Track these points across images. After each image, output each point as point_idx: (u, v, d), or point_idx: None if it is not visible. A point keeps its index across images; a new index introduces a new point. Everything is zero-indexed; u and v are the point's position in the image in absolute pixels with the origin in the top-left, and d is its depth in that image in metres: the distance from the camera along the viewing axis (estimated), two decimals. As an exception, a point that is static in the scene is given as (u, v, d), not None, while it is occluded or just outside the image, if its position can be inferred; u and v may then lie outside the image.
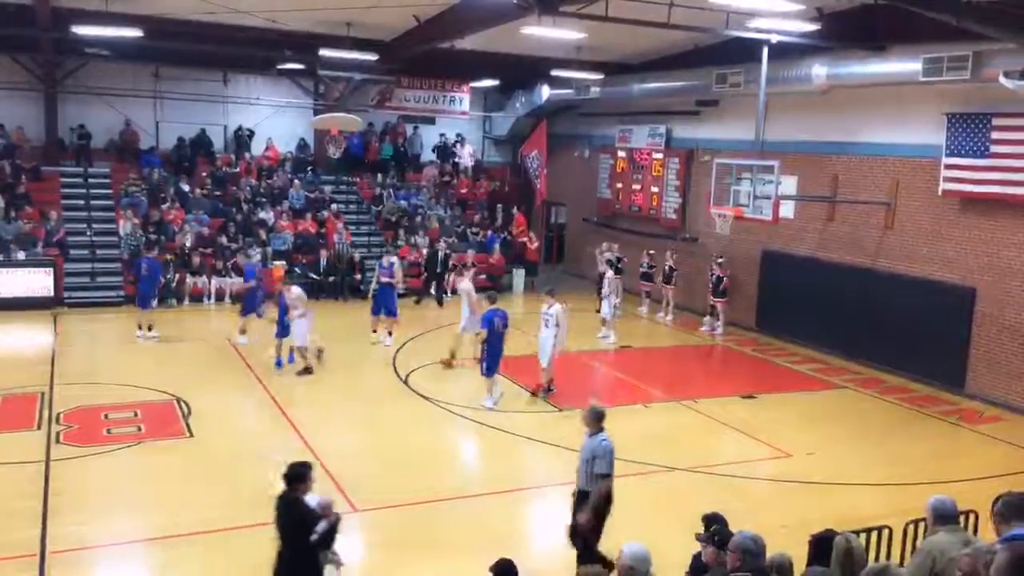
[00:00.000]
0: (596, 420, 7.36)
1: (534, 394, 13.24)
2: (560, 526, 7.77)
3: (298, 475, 5.96)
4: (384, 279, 16.09)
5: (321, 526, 5.82)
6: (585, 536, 7.16)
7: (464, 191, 25.37)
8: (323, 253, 20.50)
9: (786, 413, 13.14)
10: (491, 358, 12.48)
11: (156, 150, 22.43)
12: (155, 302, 16.39)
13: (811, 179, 17.03)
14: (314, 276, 20.13)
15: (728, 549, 5.05)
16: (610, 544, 6.82)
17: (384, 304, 15.99)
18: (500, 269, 22.21)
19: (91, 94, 21.43)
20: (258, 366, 14.29)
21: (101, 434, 10.87)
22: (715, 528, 5.58)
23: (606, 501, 7.23)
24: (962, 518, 7.26)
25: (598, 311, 17.71)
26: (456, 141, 26.17)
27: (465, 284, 15.44)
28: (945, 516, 5.19)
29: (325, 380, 14.02)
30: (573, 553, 7.31)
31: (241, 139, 23.44)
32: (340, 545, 6.10)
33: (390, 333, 16.15)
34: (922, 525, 6.38)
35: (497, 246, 22.70)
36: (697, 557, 5.95)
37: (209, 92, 22.72)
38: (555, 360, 13.32)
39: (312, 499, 5.99)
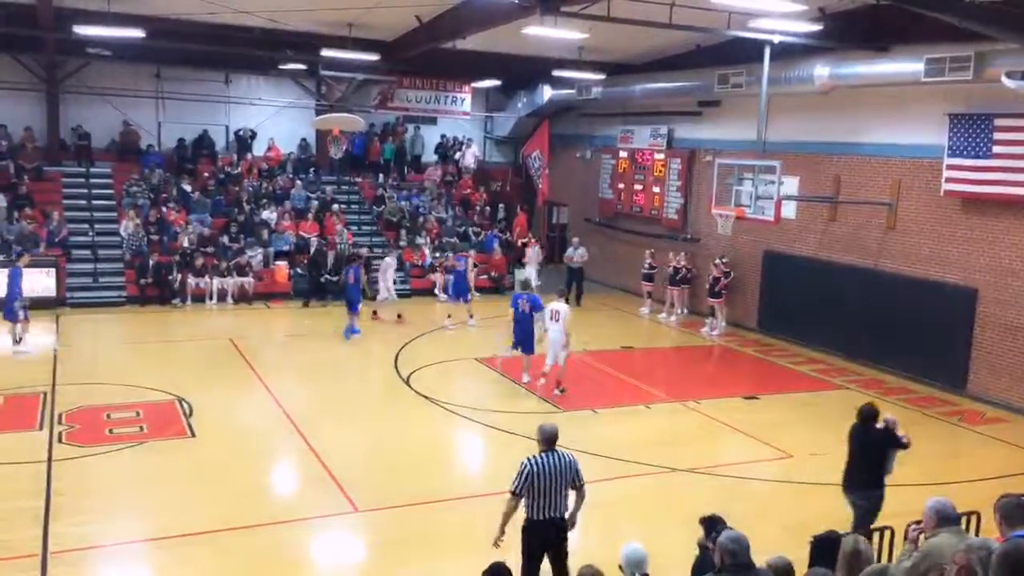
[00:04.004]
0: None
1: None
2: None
3: (872, 414, 8.08)
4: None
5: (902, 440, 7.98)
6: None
7: (467, 191, 25.38)
8: (329, 253, 20.56)
9: (788, 414, 13.13)
10: (522, 338, 13.55)
11: (156, 150, 22.46)
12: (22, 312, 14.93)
13: (813, 179, 17.01)
14: (328, 276, 20.25)
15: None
16: (609, 544, 6.81)
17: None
18: (501, 268, 22.22)
19: (93, 94, 21.46)
20: (260, 366, 14.31)
21: (103, 434, 10.88)
22: (719, 528, 5.58)
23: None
24: (964, 519, 7.26)
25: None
26: (461, 143, 26.17)
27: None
28: (946, 518, 5.17)
29: (327, 380, 14.05)
30: (573, 554, 7.28)
31: (243, 140, 23.45)
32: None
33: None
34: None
35: (496, 246, 22.72)
36: (700, 560, 5.94)
37: (211, 92, 22.75)
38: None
39: (879, 425, 8.06)
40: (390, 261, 18.67)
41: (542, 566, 6.66)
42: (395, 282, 19.23)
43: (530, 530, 6.56)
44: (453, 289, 18.80)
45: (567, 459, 6.58)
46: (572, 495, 6.69)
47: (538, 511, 6.50)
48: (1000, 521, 4.53)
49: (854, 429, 8.17)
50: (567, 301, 20.40)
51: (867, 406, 8.24)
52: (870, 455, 8.01)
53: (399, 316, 18.19)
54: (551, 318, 13.23)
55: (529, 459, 6.52)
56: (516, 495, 6.49)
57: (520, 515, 6.60)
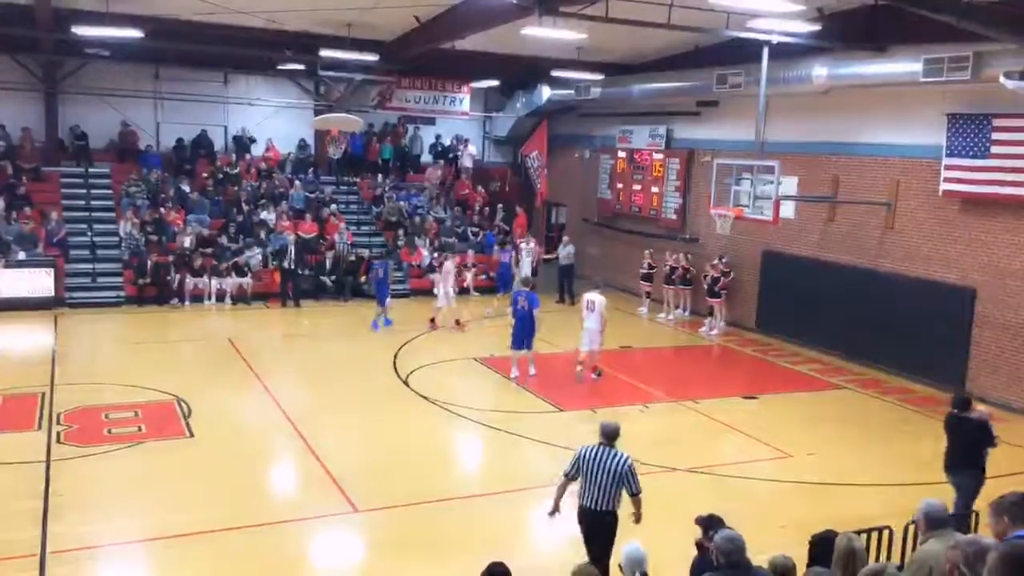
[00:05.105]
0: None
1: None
2: (558, 526, 7.75)
3: (965, 402, 8.67)
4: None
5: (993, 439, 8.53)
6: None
7: (465, 192, 25.38)
8: (329, 253, 20.56)
9: (787, 413, 13.14)
10: (522, 334, 13.89)
11: (155, 150, 22.44)
12: None
13: (812, 179, 17.02)
14: (324, 278, 20.24)
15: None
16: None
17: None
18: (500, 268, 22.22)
19: (91, 95, 21.43)
20: (259, 366, 14.30)
21: (102, 434, 10.88)
22: (718, 528, 5.59)
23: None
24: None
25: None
26: (460, 142, 26.17)
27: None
28: (937, 520, 5.09)
29: (326, 380, 14.04)
30: (573, 553, 7.30)
31: (241, 142, 23.44)
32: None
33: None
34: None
35: (496, 246, 22.73)
36: (698, 560, 5.95)
37: (209, 93, 22.72)
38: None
39: (973, 414, 8.62)
40: (449, 266, 18.11)
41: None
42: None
43: (578, 514, 6.97)
44: (500, 280, 20.62)
45: (619, 459, 6.78)
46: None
47: (583, 497, 6.88)
48: (1006, 523, 4.44)
49: (950, 418, 8.65)
50: (562, 300, 20.70)
51: (960, 395, 8.80)
52: (968, 443, 8.45)
53: (457, 322, 17.84)
54: (587, 308, 13.89)
55: (583, 446, 6.94)
56: (566, 476, 6.98)
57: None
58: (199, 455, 10.37)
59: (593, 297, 14.04)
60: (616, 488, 6.76)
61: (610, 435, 6.89)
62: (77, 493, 9.04)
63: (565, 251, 21.21)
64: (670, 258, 19.56)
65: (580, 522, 6.97)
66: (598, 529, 6.82)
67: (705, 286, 18.50)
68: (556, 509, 7.13)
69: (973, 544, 3.96)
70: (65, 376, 13.16)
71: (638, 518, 6.93)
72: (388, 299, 17.74)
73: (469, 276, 21.66)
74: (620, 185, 22.85)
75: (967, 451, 8.45)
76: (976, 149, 13.71)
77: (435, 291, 18.23)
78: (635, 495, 6.82)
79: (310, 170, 23.96)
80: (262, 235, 20.92)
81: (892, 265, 15.55)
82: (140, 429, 11.09)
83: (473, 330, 17.84)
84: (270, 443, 11.05)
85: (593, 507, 6.78)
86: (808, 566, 5.37)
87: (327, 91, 23.52)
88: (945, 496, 5.54)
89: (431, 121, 25.57)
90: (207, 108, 22.87)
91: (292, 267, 19.68)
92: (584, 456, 6.83)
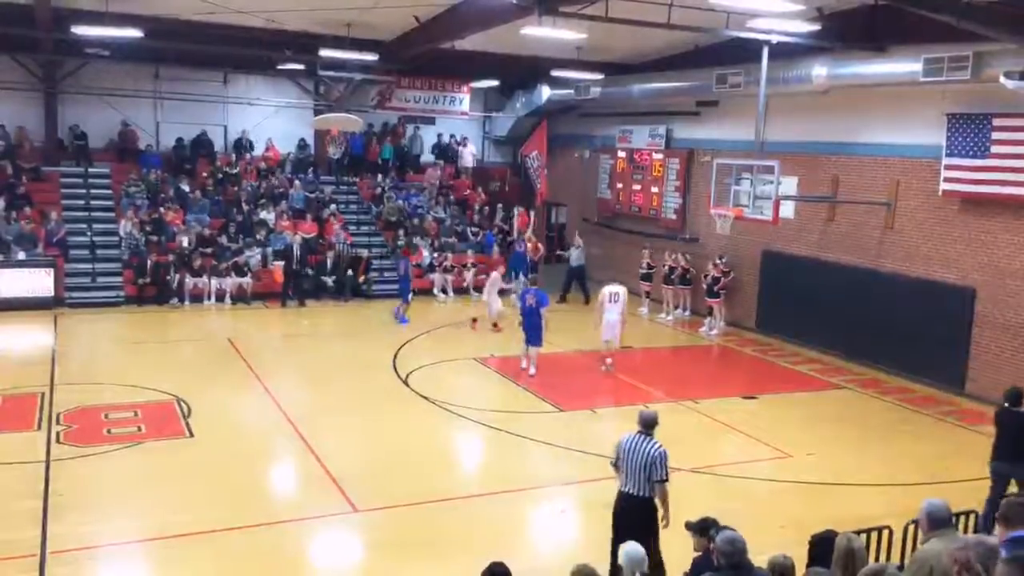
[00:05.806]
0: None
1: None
2: (559, 526, 7.76)
3: (1018, 396, 8.86)
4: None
5: None
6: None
7: (465, 192, 25.38)
8: (329, 253, 20.56)
9: (786, 413, 13.14)
10: (530, 331, 14.11)
11: (155, 150, 22.44)
12: None
13: (811, 179, 17.03)
14: (325, 277, 20.21)
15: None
16: (608, 543, 6.83)
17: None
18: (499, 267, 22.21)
19: (91, 94, 21.43)
20: (258, 366, 14.30)
21: (101, 434, 10.87)
22: (716, 529, 5.59)
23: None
24: (963, 518, 7.28)
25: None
26: (459, 142, 26.18)
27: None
28: (939, 520, 5.06)
29: (326, 380, 14.04)
30: (573, 553, 7.30)
31: (241, 145, 23.43)
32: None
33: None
34: (922, 526, 6.35)
35: (495, 246, 22.73)
36: (699, 559, 5.95)
37: (209, 92, 22.73)
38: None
39: None
40: (496, 276, 18.19)
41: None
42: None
43: (615, 500, 7.20)
44: (514, 270, 20.95)
45: (651, 447, 7.01)
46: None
47: (622, 483, 7.16)
48: (1000, 523, 4.44)
49: (1002, 411, 9.02)
50: (563, 299, 20.68)
51: (1014, 389, 9.10)
52: (1017, 436, 8.77)
53: (495, 325, 17.76)
54: (610, 300, 14.36)
55: (624, 435, 7.22)
56: (613, 466, 7.28)
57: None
58: (199, 455, 10.37)
59: (616, 289, 14.51)
60: (649, 476, 6.95)
61: (647, 424, 7.13)
62: (77, 493, 9.04)
63: (576, 252, 21.23)
64: (669, 258, 19.58)
65: (615, 508, 7.13)
66: (632, 516, 6.96)
67: (704, 286, 18.51)
68: None
69: (979, 544, 3.96)
70: (65, 376, 13.15)
71: (667, 522, 7.01)
72: (411, 295, 18.17)
73: (469, 276, 21.66)
74: (620, 185, 22.85)
75: (1015, 444, 8.75)
76: (976, 149, 13.71)
77: (484, 299, 18.28)
78: (659, 482, 6.96)
79: (310, 170, 23.96)
80: (260, 235, 20.89)
81: (892, 265, 15.55)
82: (140, 429, 11.09)
83: (474, 330, 17.82)
84: (270, 443, 11.04)
85: (629, 492, 7.03)
86: (808, 566, 5.37)
87: (327, 91, 23.53)
88: (945, 495, 5.51)
89: (431, 121, 25.58)
90: (207, 108, 22.88)
91: (298, 267, 19.67)
92: (622, 444, 7.12)
